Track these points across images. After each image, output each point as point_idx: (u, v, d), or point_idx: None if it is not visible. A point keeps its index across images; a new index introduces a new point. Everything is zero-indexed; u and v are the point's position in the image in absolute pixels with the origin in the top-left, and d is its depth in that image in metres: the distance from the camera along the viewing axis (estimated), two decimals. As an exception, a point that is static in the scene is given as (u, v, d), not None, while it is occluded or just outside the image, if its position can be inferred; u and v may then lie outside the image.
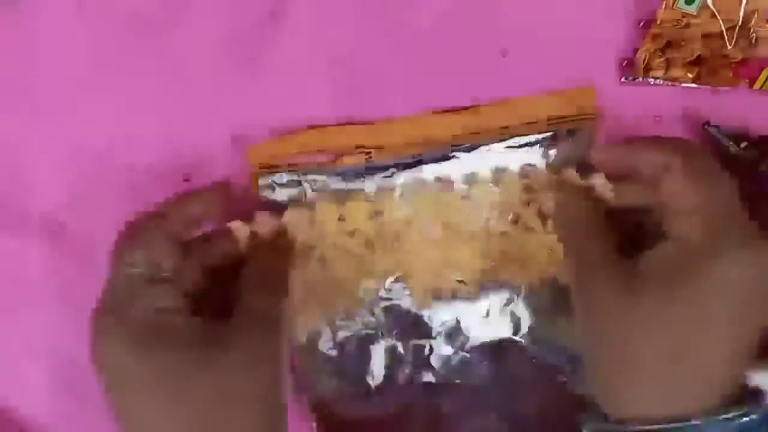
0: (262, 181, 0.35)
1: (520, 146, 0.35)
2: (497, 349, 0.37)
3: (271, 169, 0.36)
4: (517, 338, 0.37)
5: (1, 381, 0.43)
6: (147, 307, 0.27)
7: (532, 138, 0.35)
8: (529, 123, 0.35)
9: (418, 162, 0.35)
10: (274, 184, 0.35)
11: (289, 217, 0.34)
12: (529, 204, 0.35)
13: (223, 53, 0.34)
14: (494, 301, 0.37)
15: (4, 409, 0.44)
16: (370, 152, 0.35)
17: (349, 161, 0.35)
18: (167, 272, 0.28)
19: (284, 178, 0.35)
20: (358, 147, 0.35)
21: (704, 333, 0.26)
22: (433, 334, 0.37)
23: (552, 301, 0.36)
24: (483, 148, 0.35)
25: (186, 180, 0.37)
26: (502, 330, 0.37)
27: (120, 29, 0.34)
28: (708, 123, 0.33)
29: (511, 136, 0.35)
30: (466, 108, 0.35)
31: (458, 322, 0.37)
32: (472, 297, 0.37)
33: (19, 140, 0.37)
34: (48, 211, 0.38)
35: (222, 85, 0.35)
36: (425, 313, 0.37)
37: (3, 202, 0.38)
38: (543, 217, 0.35)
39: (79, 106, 0.36)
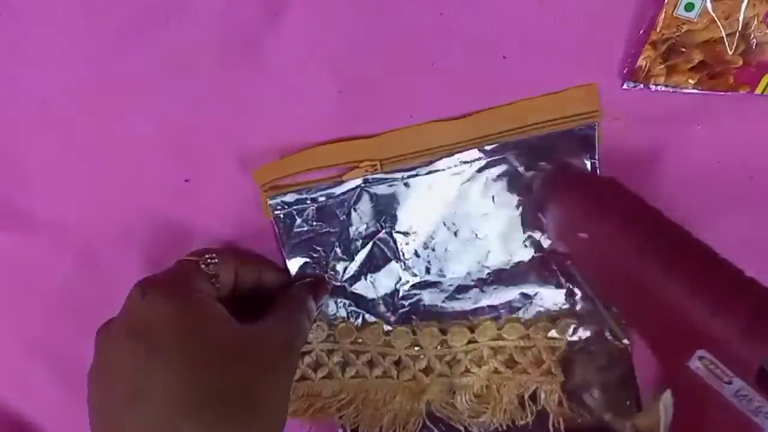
0: (271, 202, 0.36)
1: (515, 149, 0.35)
2: None
3: (278, 189, 0.36)
4: None
5: (1, 381, 0.43)
6: (196, 287, 0.32)
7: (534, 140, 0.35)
8: (531, 125, 0.35)
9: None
10: (283, 205, 0.36)
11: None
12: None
13: (223, 54, 0.35)
14: None
15: (5, 409, 0.44)
16: (375, 165, 0.36)
17: (355, 175, 0.36)
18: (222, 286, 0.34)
19: (292, 197, 0.36)
20: (363, 161, 0.36)
21: None
22: None
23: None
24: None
25: (186, 180, 0.37)
26: None
27: (120, 30, 0.35)
28: None
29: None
30: (468, 114, 0.35)
31: None
32: None
33: (19, 140, 0.37)
34: (49, 211, 0.39)
35: (222, 85, 0.35)
36: None
37: (4, 202, 0.39)
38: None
39: (80, 106, 0.36)
